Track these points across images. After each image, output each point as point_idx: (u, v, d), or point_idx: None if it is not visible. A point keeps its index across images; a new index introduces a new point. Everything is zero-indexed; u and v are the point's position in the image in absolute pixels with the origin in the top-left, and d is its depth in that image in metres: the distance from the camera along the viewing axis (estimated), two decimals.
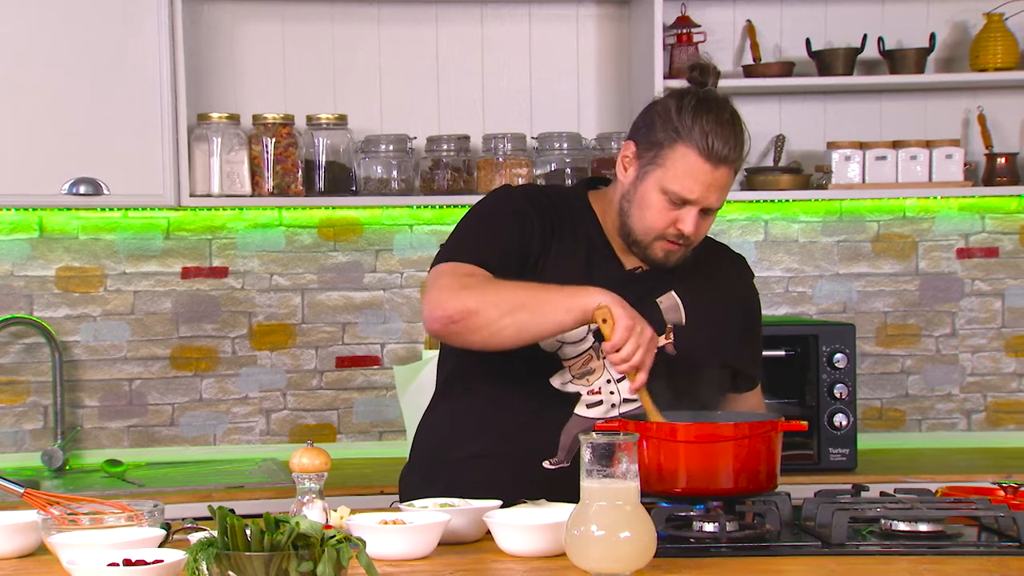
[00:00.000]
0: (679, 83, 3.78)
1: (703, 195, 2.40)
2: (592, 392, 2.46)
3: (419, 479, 2.59)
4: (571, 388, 2.46)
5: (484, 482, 2.42)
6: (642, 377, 2.26)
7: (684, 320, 2.50)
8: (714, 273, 2.59)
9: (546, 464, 2.46)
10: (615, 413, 2.43)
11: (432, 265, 2.47)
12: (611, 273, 2.48)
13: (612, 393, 2.46)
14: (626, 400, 2.46)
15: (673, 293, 2.51)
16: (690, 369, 2.45)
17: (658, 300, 2.50)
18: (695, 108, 2.40)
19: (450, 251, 2.46)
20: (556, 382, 2.46)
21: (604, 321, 2.24)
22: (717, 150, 2.37)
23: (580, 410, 2.46)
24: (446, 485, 2.43)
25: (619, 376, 2.44)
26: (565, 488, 2.23)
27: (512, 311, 2.31)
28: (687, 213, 2.41)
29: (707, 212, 2.44)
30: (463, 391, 2.55)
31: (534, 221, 2.47)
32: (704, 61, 2.48)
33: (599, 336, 2.34)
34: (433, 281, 2.43)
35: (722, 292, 2.60)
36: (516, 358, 2.40)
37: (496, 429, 2.48)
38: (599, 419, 2.41)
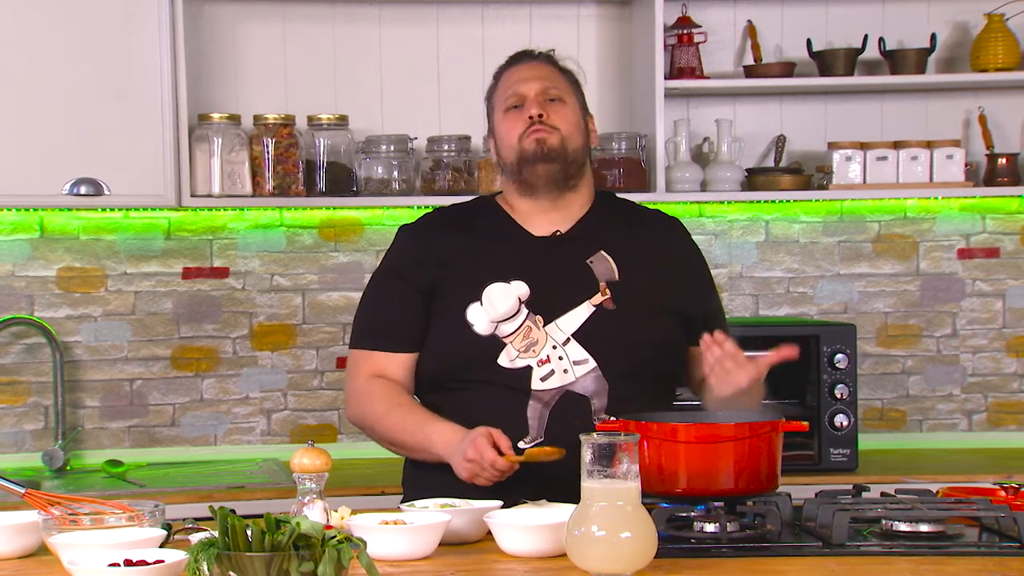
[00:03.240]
0: (680, 83, 3.83)
1: (526, 87, 2.61)
2: (541, 362, 2.51)
3: (419, 473, 2.64)
4: (520, 363, 2.51)
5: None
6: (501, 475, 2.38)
7: (617, 275, 2.57)
8: (644, 230, 2.69)
9: (521, 444, 2.50)
10: (570, 378, 2.50)
11: (351, 337, 2.70)
12: (525, 247, 2.60)
13: (561, 359, 2.51)
14: (576, 363, 2.50)
15: (602, 252, 2.59)
16: (633, 322, 2.53)
17: (588, 261, 2.58)
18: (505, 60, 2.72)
19: (355, 333, 2.68)
20: (504, 361, 2.51)
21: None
22: (522, 61, 2.67)
23: (535, 384, 2.51)
24: (442, 479, 2.46)
25: (563, 339, 2.51)
26: (545, 464, 2.38)
27: (390, 443, 2.62)
28: (527, 105, 2.60)
29: (551, 99, 2.61)
30: (427, 394, 2.63)
31: (421, 253, 2.62)
32: (527, 50, 2.73)
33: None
34: (348, 372, 2.68)
35: (655, 245, 2.67)
36: (462, 349, 2.51)
37: (465, 422, 2.50)
38: (556, 387, 2.49)
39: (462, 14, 3.95)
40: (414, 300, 2.59)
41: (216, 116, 3.71)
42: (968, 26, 4.01)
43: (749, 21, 3.98)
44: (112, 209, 3.76)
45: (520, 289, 2.53)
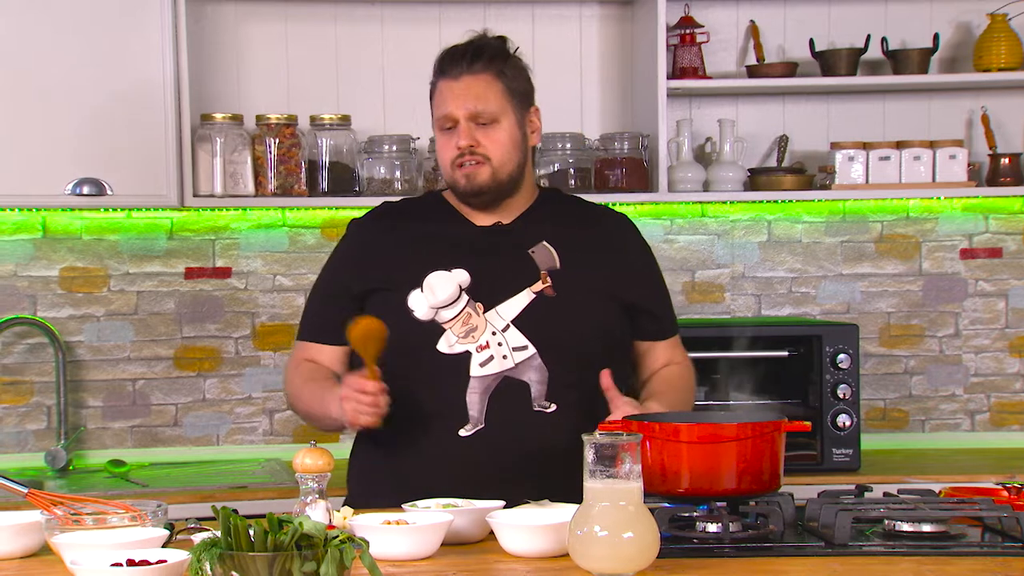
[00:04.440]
0: (683, 83, 3.82)
1: (454, 107, 2.58)
2: (480, 348, 2.53)
3: (357, 480, 2.68)
4: (459, 348, 2.54)
5: (407, 466, 2.52)
6: (368, 391, 2.42)
7: (558, 264, 2.60)
8: (589, 223, 2.71)
9: (461, 432, 2.52)
10: (509, 364, 2.52)
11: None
12: (466, 235, 2.63)
13: (500, 344, 2.53)
14: (516, 349, 2.53)
15: (544, 243, 2.62)
16: (573, 307, 2.56)
17: (530, 251, 2.61)
18: (437, 60, 2.65)
19: (300, 326, 2.77)
20: (443, 347, 2.54)
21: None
22: (451, 69, 2.60)
23: (474, 370, 2.53)
24: (392, 488, 2.47)
25: (503, 326, 2.54)
26: (485, 452, 2.45)
27: (307, 418, 2.71)
28: (457, 130, 2.59)
29: (481, 122, 2.58)
30: None
31: (362, 246, 2.67)
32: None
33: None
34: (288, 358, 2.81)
35: (601, 238, 2.69)
36: (401, 334, 2.52)
37: (404, 413, 2.52)
38: (495, 373, 2.52)
39: (464, 14, 3.95)
40: (347, 299, 2.64)
41: (219, 116, 3.71)
42: (971, 26, 4.01)
43: (752, 21, 3.98)
44: (114, 209, 3.76)
45: (460, 276, 2.57)
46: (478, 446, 2.50)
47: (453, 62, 2.62)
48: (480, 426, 2.52)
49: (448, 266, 2.58)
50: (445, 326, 2.55)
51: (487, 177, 2.59)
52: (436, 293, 2.55)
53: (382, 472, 2.60)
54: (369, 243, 2.69)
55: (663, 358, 2.71)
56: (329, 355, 2.68)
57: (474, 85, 2.59)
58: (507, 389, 2.52)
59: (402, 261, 2.62)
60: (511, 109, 2.61)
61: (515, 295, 2.56)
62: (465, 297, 2.56)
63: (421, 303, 2.56)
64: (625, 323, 2.65)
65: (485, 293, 2.56)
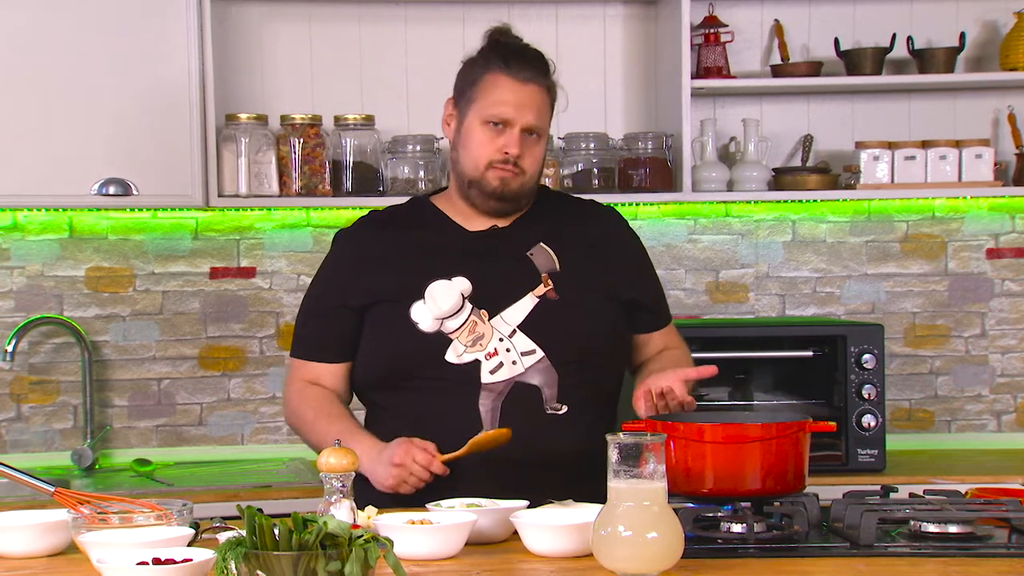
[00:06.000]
0: (707, 83, 3.82)
1: (517, 114, 2.54)
2: (489, 355, 2.52)
3: (372, 493, 2.62)
4: (468, 358, 2.52)
5: (428, 485, 2.46)
6: (432, 471, 2.42)
7: (558, 266, 2.58)
8: (581, 220, 2.69)
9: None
10: (519, 369, 2.51)
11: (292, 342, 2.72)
12: (464, 242, 2.60)
13: (508, 351, 2.52)
14: (524, 353, 2.52)
15: (542, 244, 2.60)
16: (576, 309, 2.54)
17: (528, 254, 2.59)
18: (492, 45, 2.61)
19: (294, 341, 2.70)
20: (451, 357, 2.52)
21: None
22: (520, 71, 2.55)
23: (485, 378, 2.51)
24: (394, 495, 2.47)
25: (509, 331, 2.53)
26: (501, 457, 2.42)
27: (312, 447, 2.62)
28: (509, 135, 2.54)
29: (531, 135, 2.55)
30: (380, 411, 2.63)
31: (354, 256, 2.64)
32: (500, 26, 2.67)
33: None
34: (285, 377, 2.77)
35: (594, 234, 2.67)
36: (408, 348, 2.52)
37: (415, 421, 2.52)
38: (506, 379, 2.50)
39: (488, 14, 3.94)
40: (346, 313, 2.61)
41: (243, 116, 3.72)
42: (997, 25, 3.99)
43: (776, 20, 3.97)
44: (140, 209, 3.78)
45: (462, 285, 2.54)
46: (493, 453, 2.49)
47: (522, 63, 2.57)
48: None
49: (448, 274, 2.55)
50: (451, 336, 2.53)
51: (518, 187, 2.57)
52: (439, 303, 2.53)
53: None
54: (362, 254, 2.65)
55: (660, 345, 2.71)
56: (331, 374, 2.65)
57: (536, 96, 2.56)
58: (518, 394, 2.52)
59: (400, 272, 2.59)
60: (548, 125, 2.62)
61: (518, 300, 2.54)
62: (469, 305, 2.54)
63: (425, 314, 2.54)
64: (624, 319, 2.65)
65: (488, 299, 2.54)
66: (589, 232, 2.67)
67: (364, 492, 2.44)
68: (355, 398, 2.73)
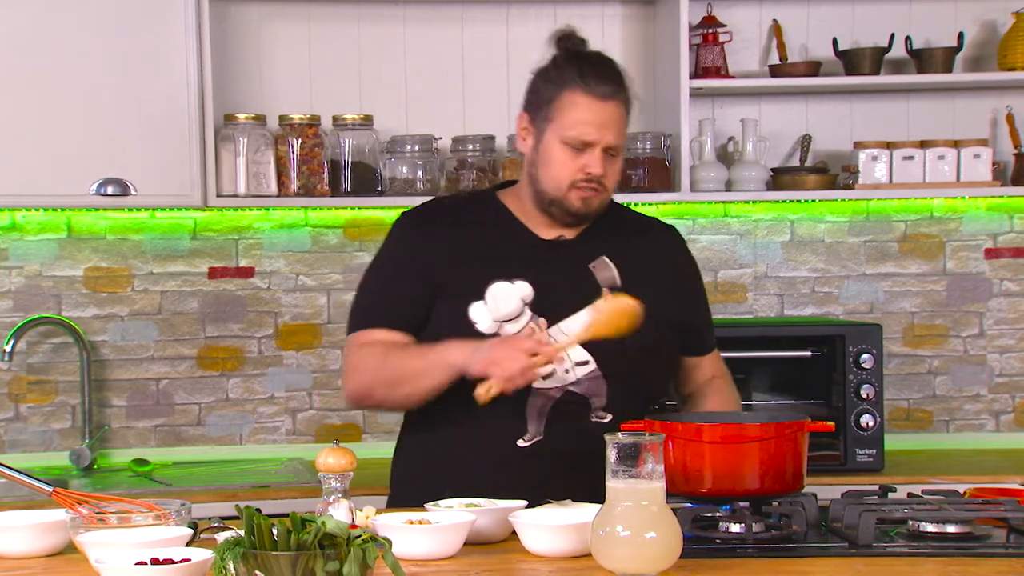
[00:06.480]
0: (705, 83, 3.82)
1: (599, 134, 2.49)
2: None
3: (403, 482, 2.65)
4: None
5: (462, 473, 2.47)
6: (543, 370, 2.39)
7: (619, 281, 2.56)
8: (644, 238, 2.68)
9: (520, 443, 2.50)
10: (571, 378, 2.50)
11: (347, 327, 2.63)
12: (531, 248, 2.58)
13: (563, 359, 2.50)
14: (578, 364, 2.51)
15: (605, 258, 2.58)
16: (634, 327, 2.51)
17: (590, 266, 2.57)
18: (568, 58, 2.55)
19: (354, 319, 2.62)
20: None
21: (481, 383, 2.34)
22: (599, 88, 2.49)
23: (536, 383, 2.49)
24: (426, 485, 2.46)
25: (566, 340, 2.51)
26: (542, 462, 2.43)
27: (395, 387, 2.52)
28: (591, 156, 2.50)
29: (611, 152, 2.52)
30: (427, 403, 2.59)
31: (426, 239, 2.59)
32: (569, 30, 2.62)
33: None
34: (344, 356, 2.64)
35: (655, 253, 2.67)
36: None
37: (463, 425, 2.51)
38: (558, 387, 2.49)
39: (486, 14, 3.95)
40: (419, 285, 2.55)
41: (242, 116, 3.72)
42: (996, 25, 3.99)
43: (774, 20, 3.97)
44: (138, 209, 3.78)
45: (524, 290, 2.52)
46: (536, 456, 2.48)
47: (599, 77, 2.51)
48: (539, 437, 2.50)
49: (511, 277, 2.52)
50: None
51: (599, 204, 2.55)
52: (500, 306, 2.50)
53: (437, 475, 2.55)
54: (428, 241, 2.59)
55: (708, 372, 2.72)
56: (398, 340, 2.55)
57: (616, 114, 2.51)
58: (567, 402, 2.51)
59: (463, 267, 2.55)
60: (626, 139, 2.58)
61: (578, 311, 2.49)
62: (528, 312, 2.51)
63: (484, 315, 2.51)
64: (676, 341, 2.66)
65: (547, 308, 2.51)
66: (651, 251, 2.66)
67: (422, 487, 2.43)
68: None
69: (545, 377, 2.49)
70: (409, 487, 2.61)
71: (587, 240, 2.61)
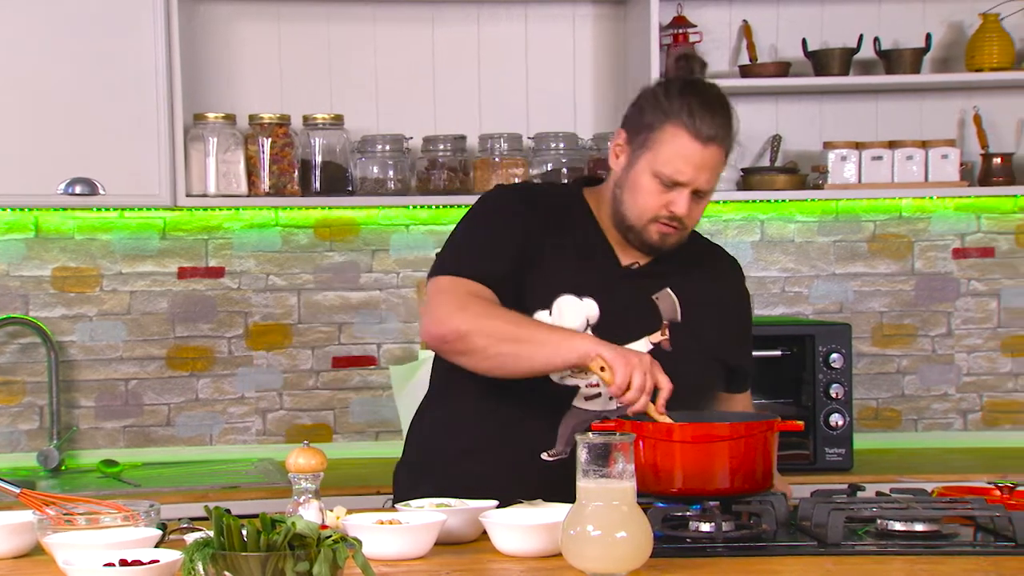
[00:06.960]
0: None
1: (693, 176, 2.41)
2: (590, 385, 2.46)
3: (414, 475, 2.61)
4: (569, 382, 2.46)
5: (479, 476, 2.44)
6: (664, 395, 2.29)
7: (680, 317, 2.52)
8: (709, 272, 2.62)
9: (544, 456, 2.48)
10: (614, 404, 2.43)
11: (431, 273, 2.49)
12: (607, 269, 2.52)
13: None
14: None
15: (669, 290, 2.53)
16: (684, 365, 2.44)
17: (654, 297, 2.52)
18: (681, 90, 2.44)
19: (450, 262, 2.47)
20: (554, 376, 2.45)
21: (602, 369, 2.27)
22: (704, 129, 2.39)
23: (578, 403, 2.47)
24: (440, 481, 2.44)
25: None
26: (564, 479, 2.25)
27: (505, 343, 2.36)
28: (679, 195, 2.43)
29: (699, 195, 2.46)
30: (458, 388, 2.55)
31: (529, 221, 2.50)
32: (691, 52, 2.51)
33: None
34: (434, 294, 2.45)
35: (718, 291, 2.61)
36: None
37: (491, 423, 2.49)
38: (597, 411, 2.44)
39: (457, 14, 3.95)
40: (519, 256, 2.45)
41: (211, 116, 3.70)
42: (963, 26, 4.02)
43: (744, 21, 3.99)
44: (107, 209, 3.76)
45: (591, 310, 2.46)
46: (558, 471, 2.41)
47: (708, 118, 2.40)
48: (563, 455, 2.47)
49: (580, 293, 2.46)
50: None
51: (675, 242, 2.50)
52: (564, 320, 2.44)
53: (456, 474, 2.50)
54: (530, 215, 2.50)
55: (739, 408, 2.65)
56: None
57: (715, 158, 2.41)
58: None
59: (542, 264, 2.46)
60: (717, 185, 2.50)
61: (635, 341, 2.46)
62: (590, 332, 2.44)
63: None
64: (723, 380, 2.62)
65: (607, 332, 2.43)
66: (714, 289, 2.59)
67: (435, 484, 2.39)
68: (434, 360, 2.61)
69: (588, 399, 2.46)
70: (423, 484, 2.50)
71: (655, 269, 2.54)
